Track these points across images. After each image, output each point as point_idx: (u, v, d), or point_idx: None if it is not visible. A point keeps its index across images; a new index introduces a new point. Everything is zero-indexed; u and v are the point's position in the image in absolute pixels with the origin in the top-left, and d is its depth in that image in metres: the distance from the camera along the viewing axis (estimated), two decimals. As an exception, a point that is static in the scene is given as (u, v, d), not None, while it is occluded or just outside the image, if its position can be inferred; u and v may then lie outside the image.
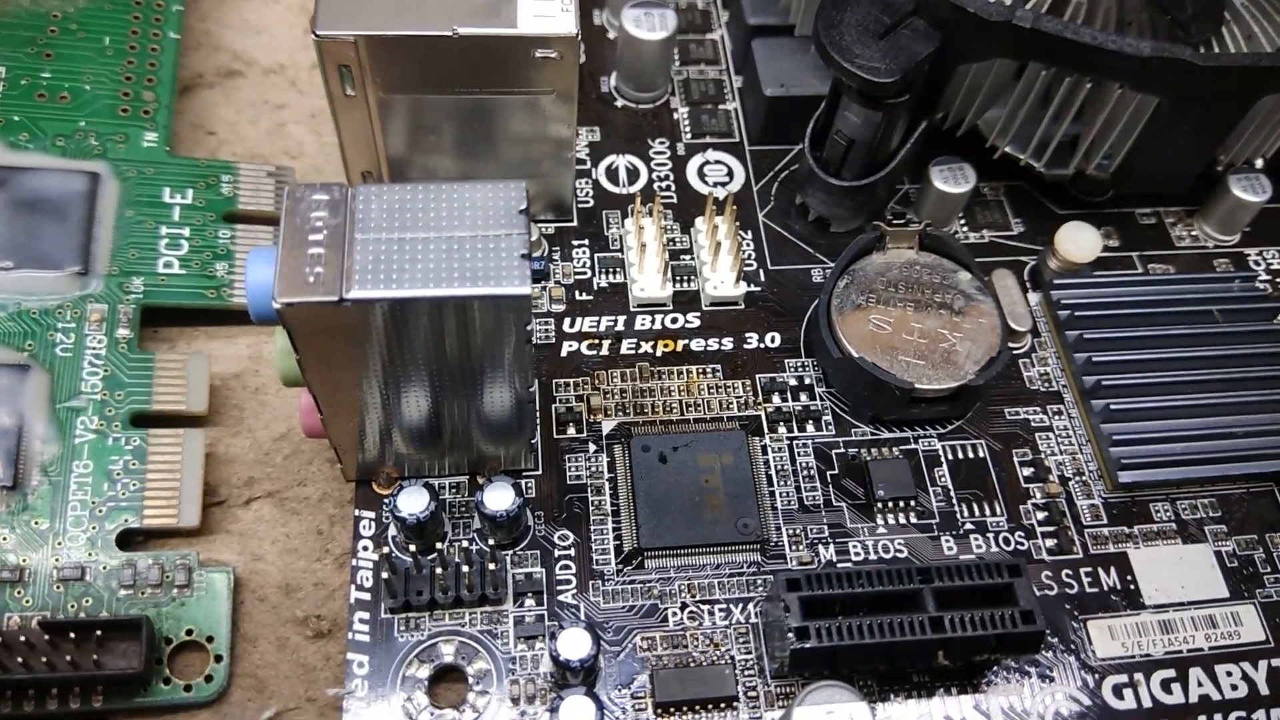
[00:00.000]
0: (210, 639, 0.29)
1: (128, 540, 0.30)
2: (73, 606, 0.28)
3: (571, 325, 0.34)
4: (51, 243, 0.33)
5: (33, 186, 0.33)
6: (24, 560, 0.29)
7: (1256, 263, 0.38)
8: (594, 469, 0.32)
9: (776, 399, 0.33)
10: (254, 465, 0.32)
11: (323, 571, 0.31)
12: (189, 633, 0.29)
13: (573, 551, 0.30)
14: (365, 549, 0.30)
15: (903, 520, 0.31)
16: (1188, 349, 0.34)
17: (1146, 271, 0.37)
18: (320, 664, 0.30)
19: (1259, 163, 0.38)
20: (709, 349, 0.34)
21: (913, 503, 0.31)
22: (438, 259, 0.24)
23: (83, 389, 0.31)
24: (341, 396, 0.27)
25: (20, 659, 0.27)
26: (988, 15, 0.31)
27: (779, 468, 0.32)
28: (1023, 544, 0.31)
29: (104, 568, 0.29)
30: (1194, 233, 0.38)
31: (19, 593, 0.28)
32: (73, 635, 0.27)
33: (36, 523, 0.29)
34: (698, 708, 0.28)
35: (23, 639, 0.27)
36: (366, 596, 0.29)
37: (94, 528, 0.29)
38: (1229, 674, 0.30)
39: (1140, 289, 0.35)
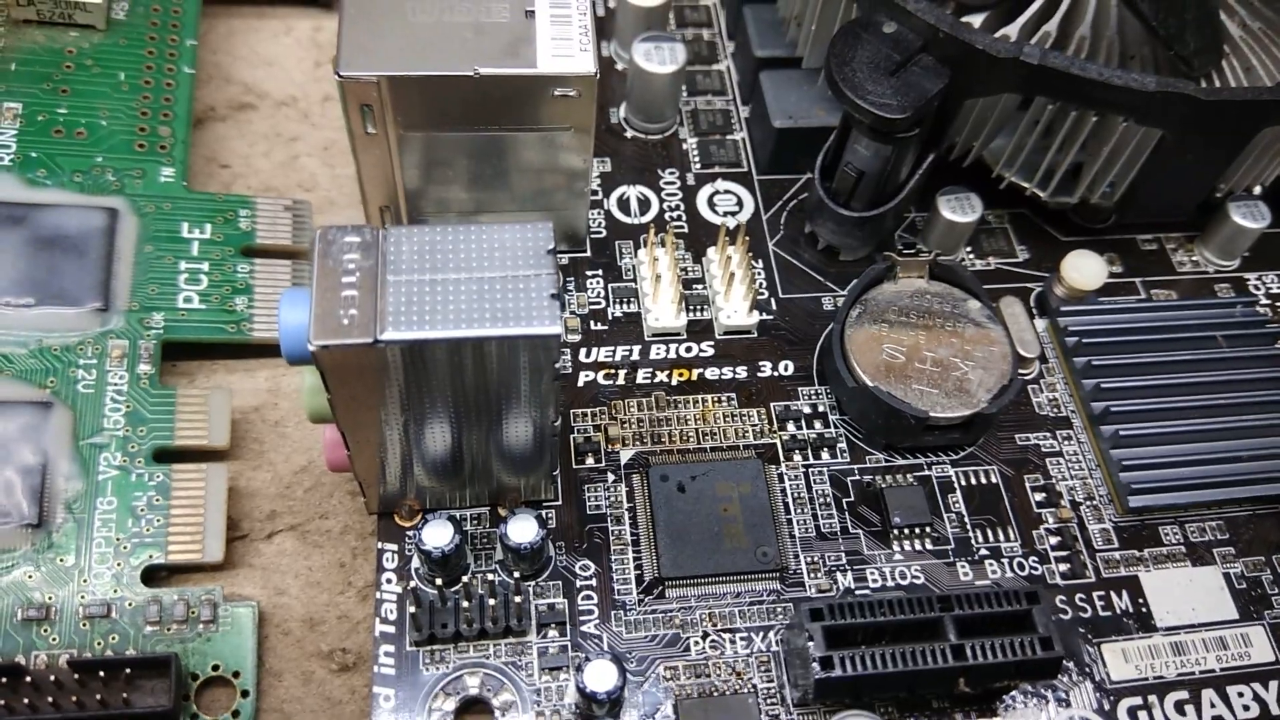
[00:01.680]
0: (236, 674, 0.29)
1: (152, 576, 0.30)
2: (99, 644, 0.29)
3: (587, 355, 0.35)
4: (71, 279, 0.33)
5: (52, 223, 0.33)
6: (50, 598, 0.29)
7: (1256, 287, 0.39)
8: (613, 499, 0.32)
9: (791, 427, 0.34)
10: (275, 499, 0.33)
11: (346, 604, 0.31)
12: (215, 668, 0.29)
13: (594, 582, 0.31)
14: (389, 581, 0.30)
15: (919, 546, 0.32)
16: (1193, 374, 0.35)
17: (1149, 297, 0.38)
18: (346, 698, 0.30)
19: (1258, 190, 0.38)
20: (724, 378, 0.35)
21: (928, 529, 0.32)
22: (469, 300, 0.25)
23: (105, 425, 0.31)
24: (369, 433, 0.27)
25: (50, 698, 0.27)
26: (996, 52, 0.32)
27: (795, 496, 0.32)
28: (1037, 569, 0.32)
29: (130, 604, 0.29)
30: (1195, 258, 0.39)
31: (45, 630, 0.29)
32: (102, 674, 0.27)
33: (62, 560, 0.29)
34: (722, 737, 0.28)
35: (52, 678, 0.27)
36: (391, 629, 0.29)
37: (119, 564, 0.30)
38: (1240, 695, 0.31)
39: (1145, 315, 0.36)
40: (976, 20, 0.35)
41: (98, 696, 0.27)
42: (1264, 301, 0.38)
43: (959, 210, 0.37)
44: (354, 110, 0.30)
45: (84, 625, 0.29)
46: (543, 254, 0.26)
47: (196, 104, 0.39)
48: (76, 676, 0.27)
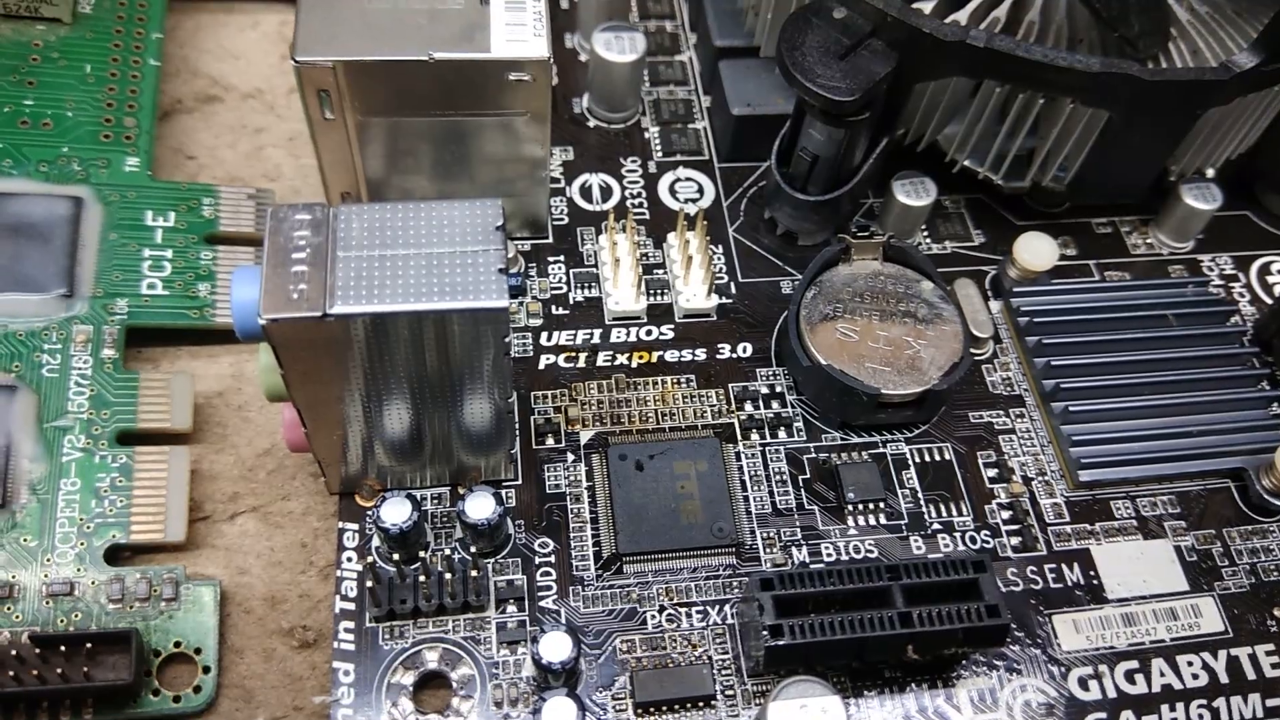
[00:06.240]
0: (198, 650, 0.29)
1: (115, 556, 0.30)
2: (62, 621, 0.29)
3: (549, 339, 0.35)
4: (36, 266, 0.33)
5: (17, 211, 0.34)
6: (13, 577, 0.29)
7: (1209, 268, 0.39)
8: (573, 478, 0.32)
9: (749, 407, 0.34)
10: (238, 481, 0.33)
11: (307, 583, 0.32)
12: (177, 645, 0.29)
13: (553, 558, 0.31)
14: (349, 560, 0.30)
15: (873, 522, 0.32)
16: (1144, 352, 0.35)
17: (1103, 279, 0.38)
18: (307, 673, 0.30)
19: (1210, 172, 0.39)
20: (683, 360, 0.35)
21: (882, 504, 0.32)
22: (417, 274, 0.25)
23: (69, 408, 0.32)
24: (325, 410, 0.28)
25: (11, 673, 0.27)
26: (943, 36, 0.32)
27: (752, 473, 0.33)
28: (989, 542, 0.32)
29: (92, 583, 0.30)
30: (1149, 240, 0.40)
31: (8, 608, 0.29)
32: (63, 648, 0.28)
33: (25, 540, 0.30)
34: (677, 707, 0.29)
35: (13, 653, 0.27)
36: (351, 606, 0.30)
37: (82, 544, 0.30)
38: (1190, 664, 0.31)
39: (1097, 295, 0.37)
40: (926, 6, 0.36)
41: (59, 670, 0.27)
42: (1216, 282, 0.39)
43: (913, 195, 0.37)
44: (311, 96, 0.31)
45: (47, 603, 0.29)
46: (491, 230, 0.26)
47: (163, 97, 0.40)
48: (38, 651, 0.27)
